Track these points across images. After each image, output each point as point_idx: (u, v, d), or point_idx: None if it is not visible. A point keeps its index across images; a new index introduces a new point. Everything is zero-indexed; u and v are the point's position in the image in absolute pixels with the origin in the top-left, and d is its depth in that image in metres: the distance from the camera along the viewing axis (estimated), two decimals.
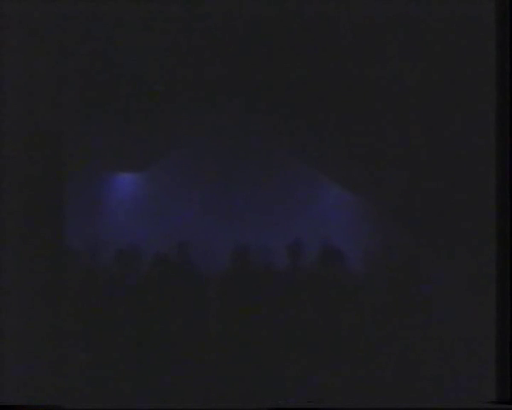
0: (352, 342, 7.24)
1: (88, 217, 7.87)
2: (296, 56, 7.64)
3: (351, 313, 7.31)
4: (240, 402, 6.86)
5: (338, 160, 7.97)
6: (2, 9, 7.21)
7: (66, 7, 7.41)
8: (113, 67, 7.68)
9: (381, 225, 7.84)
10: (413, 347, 7.20)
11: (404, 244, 7.56)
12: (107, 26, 7.54)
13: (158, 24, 7.58)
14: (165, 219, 8.16)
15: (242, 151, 8.14)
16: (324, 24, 7.54)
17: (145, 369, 7.11)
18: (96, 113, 7.80)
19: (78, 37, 7.50)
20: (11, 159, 7.21)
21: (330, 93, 7.72)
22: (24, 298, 7.12)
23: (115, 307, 7.26)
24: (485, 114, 7.18)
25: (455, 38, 7.47)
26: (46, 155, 7.35)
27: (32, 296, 7.13)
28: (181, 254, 7.76)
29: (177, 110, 7.94)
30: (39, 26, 7.36)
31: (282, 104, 7.80)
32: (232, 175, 8.12)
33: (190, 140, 8.20)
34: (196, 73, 7.71)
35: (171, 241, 7.82)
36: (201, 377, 7.10)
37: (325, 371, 7.17)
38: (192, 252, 7.81)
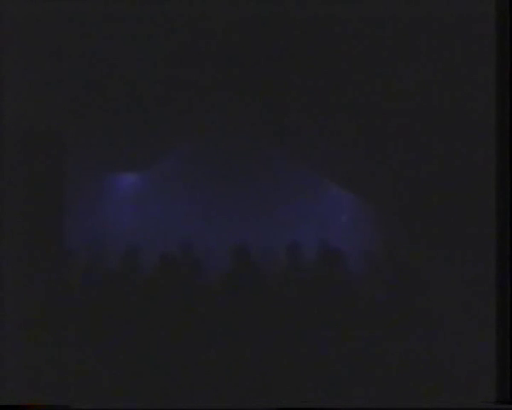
0: (351, 343, 7.25)
1: (88, 217, 7.89)
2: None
3: (350, 313, 7.32)
4: (240, 403, 6.87)
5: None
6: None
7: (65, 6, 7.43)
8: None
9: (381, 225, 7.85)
10: (412, 347, 7.20)
11: (404, 245, 7.57)
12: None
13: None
14: (164, 219, 8.18)
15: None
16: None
17: (145, 369, 7.12)
18: (95, 112, 7.80)
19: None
20: (10, 158, 7.22)
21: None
22: (24, 298, 7.14)
23: (116, 307, 7.27)
24: (485, 114, 7.19)
25: (455, 37, 7.48)
26: (46, 154, 7.36)
27: (32, 296, 7.15)
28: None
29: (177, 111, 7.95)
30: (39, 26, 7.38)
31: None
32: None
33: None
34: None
35: (171, 240, 7.84)
36: (201, 378, 7.11)
37: (324, 372, 7.17)
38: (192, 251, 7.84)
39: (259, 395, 6.98)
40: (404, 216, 7.71)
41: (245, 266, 7.51)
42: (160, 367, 7.10)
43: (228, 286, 7.45)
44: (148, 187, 8.53)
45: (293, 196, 8.51)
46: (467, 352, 7.09)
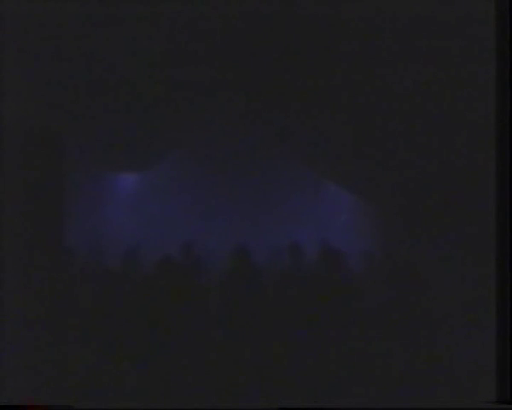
0: (351, 342, 7.26)
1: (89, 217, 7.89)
2: None
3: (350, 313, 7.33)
4: (240, 403, 6.87)
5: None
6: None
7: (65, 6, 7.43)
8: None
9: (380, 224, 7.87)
10: (412, 347, 7.22)
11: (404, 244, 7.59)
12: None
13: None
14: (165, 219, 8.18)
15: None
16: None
17: (145, 370, 7.12)
18: (95, 112, 7.81)
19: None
20: (10, 158, 7.22)
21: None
22: (24, 298, 7.14)
23: (116, 307, 7.27)
24: (485, 114, 7.21)
25: (454, 37, 7.49)
26: (46, 154, 7.38)
27: (32, 297, 7.15)
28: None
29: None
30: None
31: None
32: None
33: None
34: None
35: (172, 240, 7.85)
36: (201, 378, 7.11)
37: (324, 371, 7.18)
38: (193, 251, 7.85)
39: (259, 395, 6.99)
40: (403, 216, 7.72)
41: (244, 266, 7.53)
42: (159, 367, 7.11)
43: (226, 284, 7.46)
44: (148, 187, 8.54)
45: (291, 196, 8.52)
46: (466, 352, 7.11)
